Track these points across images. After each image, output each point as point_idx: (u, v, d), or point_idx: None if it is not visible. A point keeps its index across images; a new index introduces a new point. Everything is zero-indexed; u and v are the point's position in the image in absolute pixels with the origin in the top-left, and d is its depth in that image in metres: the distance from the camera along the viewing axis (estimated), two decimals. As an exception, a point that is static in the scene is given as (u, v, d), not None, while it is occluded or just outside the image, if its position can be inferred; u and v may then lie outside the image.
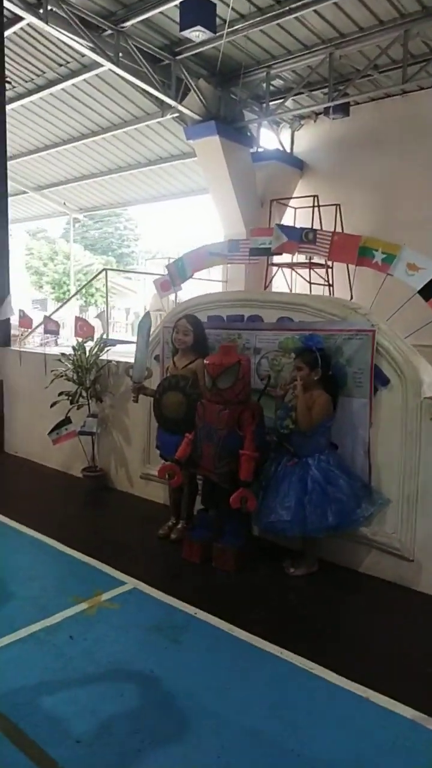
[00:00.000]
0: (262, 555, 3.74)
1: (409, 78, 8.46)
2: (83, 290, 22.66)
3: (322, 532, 3.36)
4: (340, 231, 3.89)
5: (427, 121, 10.01)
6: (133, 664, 2.69)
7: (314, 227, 4.05)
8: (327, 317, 3.75)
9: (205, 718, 2.33)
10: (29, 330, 6.39)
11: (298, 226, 4.98)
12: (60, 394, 5.05)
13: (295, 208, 11.20)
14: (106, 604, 3.21)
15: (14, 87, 10.71)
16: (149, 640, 2.89)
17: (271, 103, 10.35)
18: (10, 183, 15.43)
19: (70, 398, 4.96)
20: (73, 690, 2.52)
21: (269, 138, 11.81)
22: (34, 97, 10.77)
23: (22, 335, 6.46)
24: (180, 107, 9.73)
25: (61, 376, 5.05)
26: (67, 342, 7.98)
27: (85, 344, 5.08)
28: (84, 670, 2.63)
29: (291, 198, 11.16)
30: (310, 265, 10.39)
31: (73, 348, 5.05)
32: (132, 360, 4.22)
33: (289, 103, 10.55)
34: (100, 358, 5.04)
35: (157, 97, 9.82)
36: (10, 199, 17.03)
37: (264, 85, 10.09)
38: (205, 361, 3.56)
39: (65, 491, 5.13)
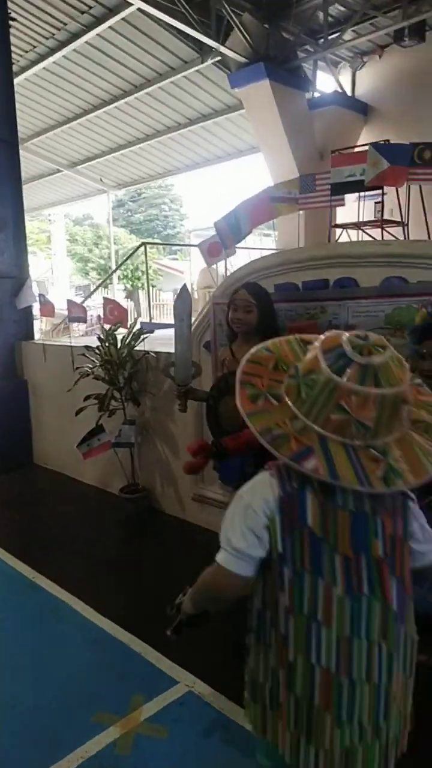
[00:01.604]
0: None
1: None
2: (130, 275, 21.72)
3: None
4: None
5: None
6: None
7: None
8: (464, 273, 2.46)
9: None
10: (53, 319, 5.31)
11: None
12: (86, 398, 3.94)
13: (360, 160, 9.67)
14: (148, 729, 2.10)
15: (35, 47, 9.60)
16: None
17: (329, 38, 8.82)
18: (41, 161, 14.58)
19: (99, 402, 3.85)
20: None
21: (326, 81, 10.27)
22: (57, 56, 9.57)
23: (61, 326, 5.42)
24: (222, 49, 8.36)
25: (87, 374, 3.94)
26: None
27: (115, 332, 3.95)
28: None
29: (355, 147, 9.62)
30: (382, 224, 8.90)
31: (100, 338, 3.92)
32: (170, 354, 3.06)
33: (349, 35, 8.97)
34: (135, 348, 3.90)
35: (195, 40, 8.47)
36: (43, 180, 16.18)
37: (320, 14, 8.57)
38: None
39: (100, 517, 4.05)
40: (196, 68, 9.34)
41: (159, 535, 3.77)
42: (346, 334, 1.13)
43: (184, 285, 2.84)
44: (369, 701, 1.18)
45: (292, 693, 1.23)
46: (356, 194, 6.67)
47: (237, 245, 3.67)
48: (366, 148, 9.07)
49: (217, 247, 3.73)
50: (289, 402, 1.17)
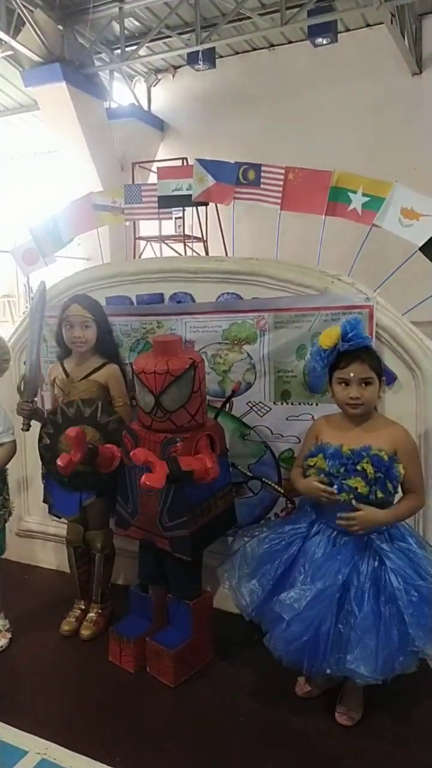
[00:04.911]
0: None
1: (288, 20, 7.48)
2: None
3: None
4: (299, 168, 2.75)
5: (296, 77, 9.22)
6: None
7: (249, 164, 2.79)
8: (295, 290, 2.58)
9: None
10: None
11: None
12: None
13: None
14: None
15: None
16: None
17: (125, 50, 8.82)
18: None
19: None
20: None
21: (122, 93, 10.27)
22: None
23: None
24: (13, 43, 7.83)
25: None
26: None
27: None
28: None
29: (154, 161, 9.79)
30: (185, 238, 9.19)
31: None
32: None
33: (144, 51, 9.09)
34: None
35: (-18, 29, 7.80)
36: None
37: (115, 24, 8.54)
38: (136, 368, 2.20)
39: None
40: (-17, 60, 8.62)
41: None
42: None
43: (43, 283, 2.53)
44: None
45: None
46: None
47: (59, 250, 3.42)
48: (165, 162, 9.35)
49: (33, 254, 3.43)
50: None
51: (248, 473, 2.65)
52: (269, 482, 2.56)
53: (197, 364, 2.16)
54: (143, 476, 1.94)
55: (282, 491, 2.42)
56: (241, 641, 2.48)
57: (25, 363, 2.65)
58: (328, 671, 1.89)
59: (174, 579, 2.41)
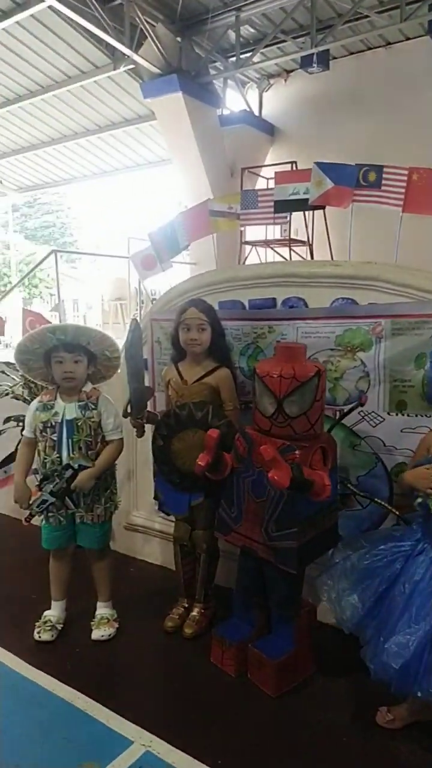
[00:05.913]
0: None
1: (408, 16, 7.23)
2: (26, 281, 20.74)
3: None
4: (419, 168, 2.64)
5: (414, 75, 8.88)
6: None
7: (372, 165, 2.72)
8: (416, 296, 2.47)
9: None
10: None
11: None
12: (6, 420, 3.58)
13: (267, 179, 9.89)
14: (104, 805, 1.86)
15: None
16: None
17: (240, 57, 8.95)
18: None
19: (22, 425, 3.50)
20: None
21: (235, 99, 10.42)
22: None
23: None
24: (136, 57, 8.19)
25: (7, 393, 3.59)
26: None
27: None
28: None
29: (263, 166, 9.84)
30: (290, 242, 9.15)
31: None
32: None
33: (258, 57, 9.16)
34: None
35: (107, 45, 8.25)
36: None
37: (231, 32, 8.68)
38: (259, 372, 2.20)
39: (15, 550, 3.66)
40: (108, 74, 9.10)
41: (81, 569, 3.40)
42: None
43: (135, 321, 2.61)
44: None
45: None
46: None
47: (175, 256, 3.52)
48: (274, 167, 9.35)
49: (151, 260, 3.55)
50: None
51: (357, 490, 2.55)
52: (380, 502, 2.45)
53: (322, 372, 2.14)
54: (271, 471, 1.93)
55: (395, 511, 2.31)
56: (344, 656, 2.40)
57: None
58: (419, 695, 1.82)
59: (274, 592, 2.37)
